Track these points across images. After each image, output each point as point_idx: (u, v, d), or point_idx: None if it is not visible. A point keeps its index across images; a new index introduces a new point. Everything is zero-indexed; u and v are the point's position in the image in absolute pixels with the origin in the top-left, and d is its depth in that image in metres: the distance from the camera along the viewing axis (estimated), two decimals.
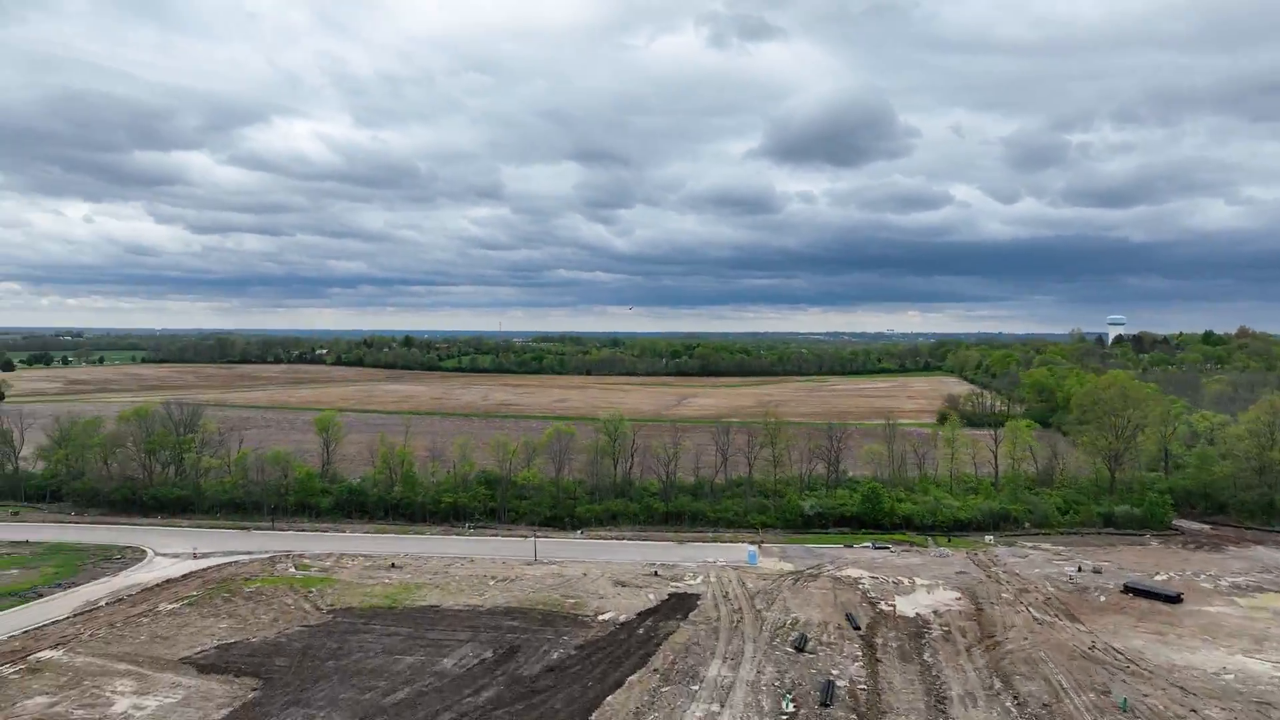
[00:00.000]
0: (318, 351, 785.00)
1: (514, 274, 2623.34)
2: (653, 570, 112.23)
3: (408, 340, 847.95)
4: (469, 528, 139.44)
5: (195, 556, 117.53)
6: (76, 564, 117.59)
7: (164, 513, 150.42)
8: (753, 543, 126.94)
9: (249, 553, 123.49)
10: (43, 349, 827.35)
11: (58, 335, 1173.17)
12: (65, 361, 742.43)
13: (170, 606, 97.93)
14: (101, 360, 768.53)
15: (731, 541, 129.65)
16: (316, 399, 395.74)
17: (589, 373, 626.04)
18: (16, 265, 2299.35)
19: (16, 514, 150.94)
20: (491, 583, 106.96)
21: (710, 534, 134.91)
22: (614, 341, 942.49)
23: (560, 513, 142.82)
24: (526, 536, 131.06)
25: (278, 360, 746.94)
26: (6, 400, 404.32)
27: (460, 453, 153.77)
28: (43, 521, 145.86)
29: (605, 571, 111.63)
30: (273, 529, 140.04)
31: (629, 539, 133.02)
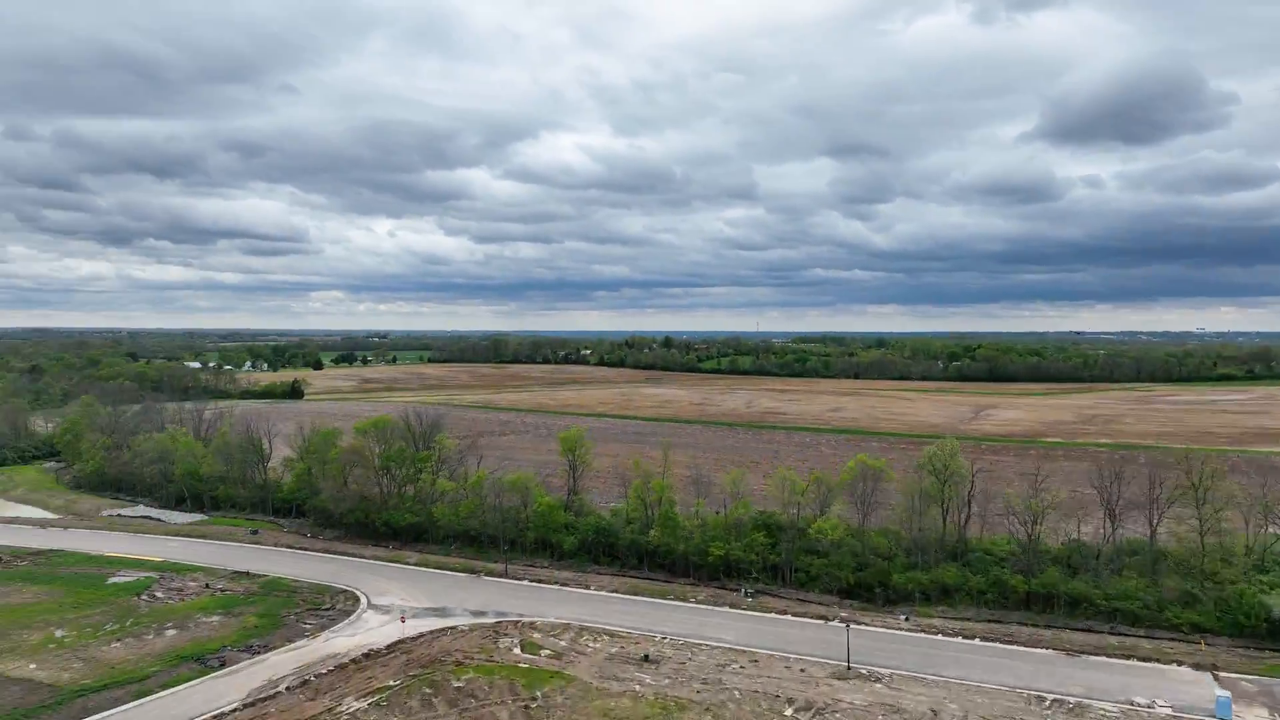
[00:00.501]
0: (582, 352, 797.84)
1: (769, 274, 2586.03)
2: (1046, 716, 70.52)
3: (667, 341, 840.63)
4: (746, 593, 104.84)
5: (403, 620, 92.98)
6: (281, 613, 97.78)
7: (397, 540, 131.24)
8: (1211, 669, 79.99)
9: (471, 613, 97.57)
10: (353, 349, 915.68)
11: (368, 337, 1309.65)
12: (364, 361, 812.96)
13: (357, 705, 72.23)
14: (394, 359, 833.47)
15: (1156, 662, 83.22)
16: (577, 401, 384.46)
17: (857, 376, 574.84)
18: (338, 276, 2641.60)
19: (255, 533, 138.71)
20: (789, 712, 71.07)
21: (1111, 639, 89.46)
22: (879, 342, 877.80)
23: (868, 579, 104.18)
24: (827, 619, 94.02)
25: (545, 360, 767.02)
26: (306, 398, 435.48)
27: (732, 487, 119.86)
28: (275, 545, 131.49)
29: (969, 708, 71.60)
30: (505, 574, 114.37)
31: (979, 634, 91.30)
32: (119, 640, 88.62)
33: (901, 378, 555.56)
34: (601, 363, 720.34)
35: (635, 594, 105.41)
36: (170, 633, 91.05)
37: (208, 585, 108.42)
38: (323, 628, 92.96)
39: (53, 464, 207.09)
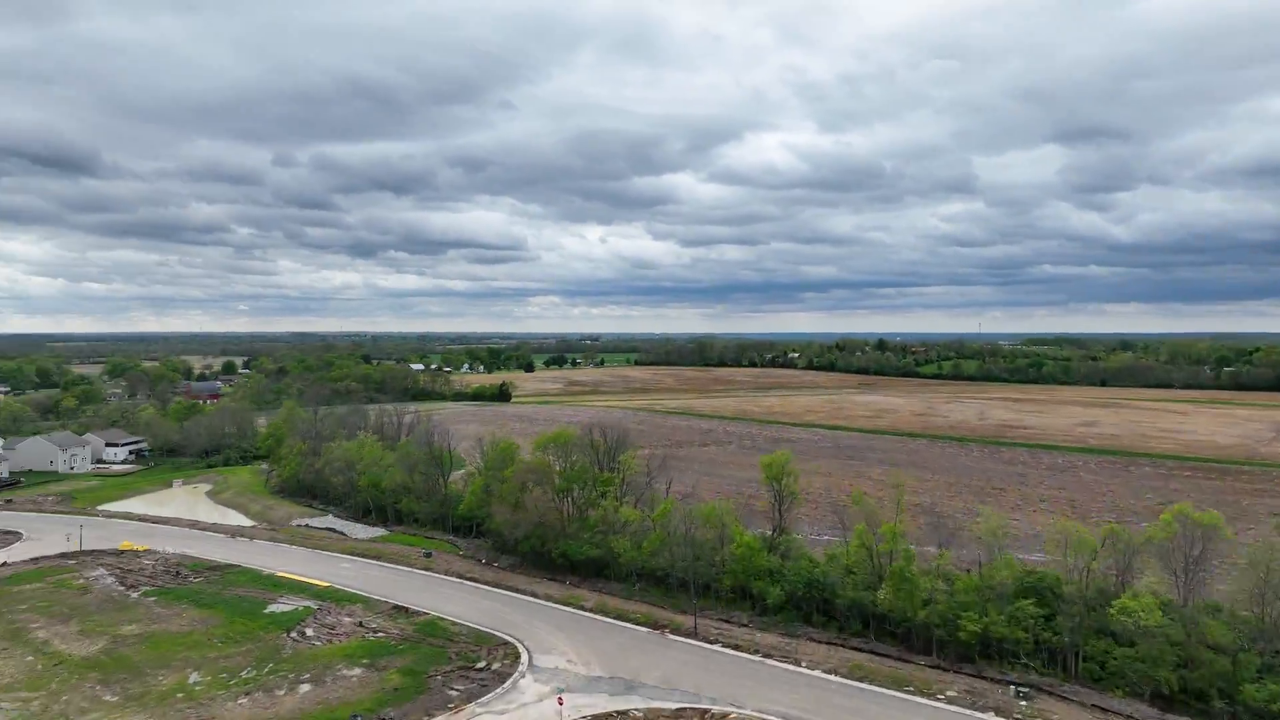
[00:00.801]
0: (789, 355, 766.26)
1: (991, 271, 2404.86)
2: None
3: (881, 344, 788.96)
4: (1017, 691, 77.36)
5: (560, 703, 74.28)
6: (429, 671, 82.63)
7: (574, 574, 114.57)
8: None
9: (647, 690, 77.46)
10: (565, 352, 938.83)
11: (581, 339, 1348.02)
12: (574, 363, 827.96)
13: None
14: (602, 362, 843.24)
15: None
16: (783, 408, 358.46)
17: (1103, 383, 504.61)
18: (554, 281, 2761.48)
19: (429, 555, 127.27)
20: None
21: None
22: (1123, 344, 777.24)
23: (1199, 683, 73.57)
24: None
25: (752, 363, 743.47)
26: (513, 400, 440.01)
27: (989, 535, 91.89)
28: (445, 573, 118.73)
29: None
30: (694, 632, 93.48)
31: None
32: (247, 694, 76.64)
33: (1160, 385, 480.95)
34: (810, 366, 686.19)
35: (861, 678, 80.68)
36: (304, 688, 78.10)
37: (361, 624, 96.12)
38: (470, 697, 76.34)
39: (266, 466, 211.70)
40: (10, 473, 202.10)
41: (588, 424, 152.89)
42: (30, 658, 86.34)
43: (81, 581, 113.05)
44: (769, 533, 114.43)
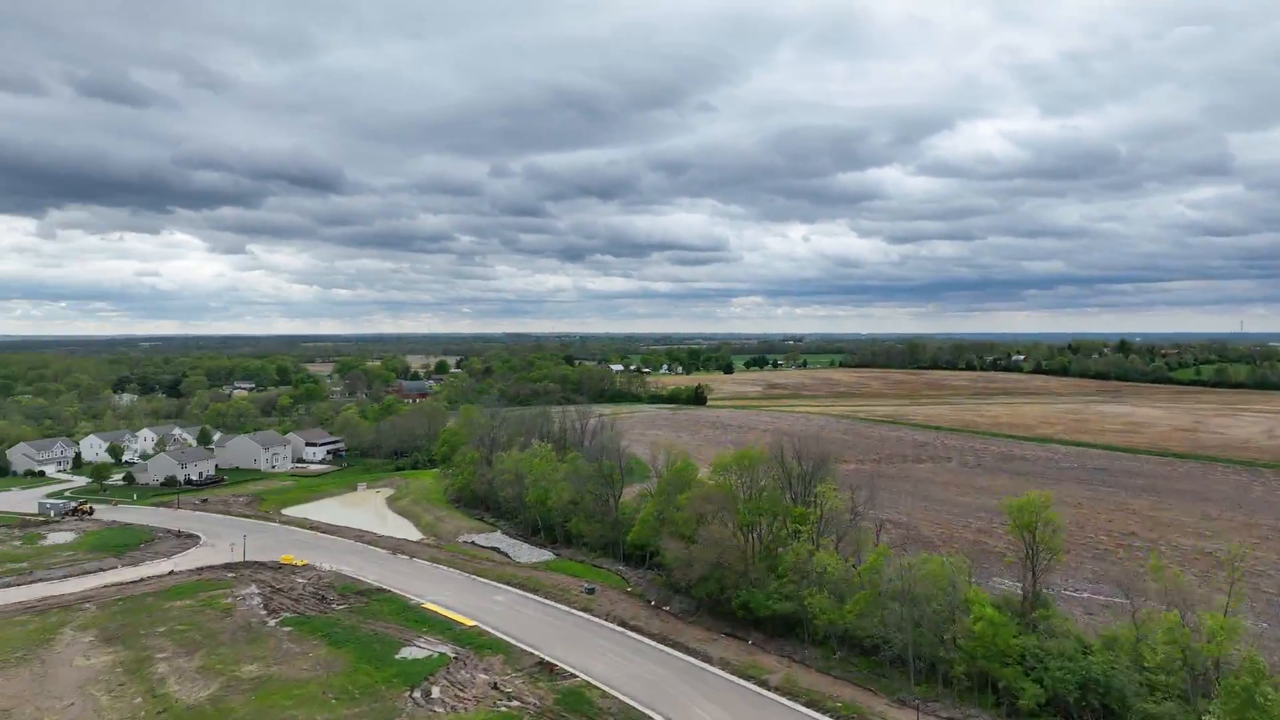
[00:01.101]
0: (1013, 357, 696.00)
1: (1252, 263, 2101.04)
2: None
3: (1123, 345, 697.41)
4: None
5: None
6: None
7: (758, 631, 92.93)
8: None
9: None
10: (767, 352, 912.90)
11: (783, 340, 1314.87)
12: (775, 365, 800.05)
13: None
14: (805, 364, 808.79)
15: None
16: (1010, 419, 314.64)
17: None
18: (757, 281, 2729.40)
19: (591, 592, 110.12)
20: None
21: None
22: None
23: None
24: None
25: (969, 367, 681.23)
26: (708, 404, 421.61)
27: None
28: (605, 617, 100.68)
29: None
30: None
31: None
32: None
33: None
34: (1038, 370, 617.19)
35: None
36: None
37: (496, 685, 79.74)
38: None
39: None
40: (217, 468, 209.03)
41: (782, 435, 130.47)
42: (139, 699, 77.06)
43: (228, 601, 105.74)
44: (1015, 591, 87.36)
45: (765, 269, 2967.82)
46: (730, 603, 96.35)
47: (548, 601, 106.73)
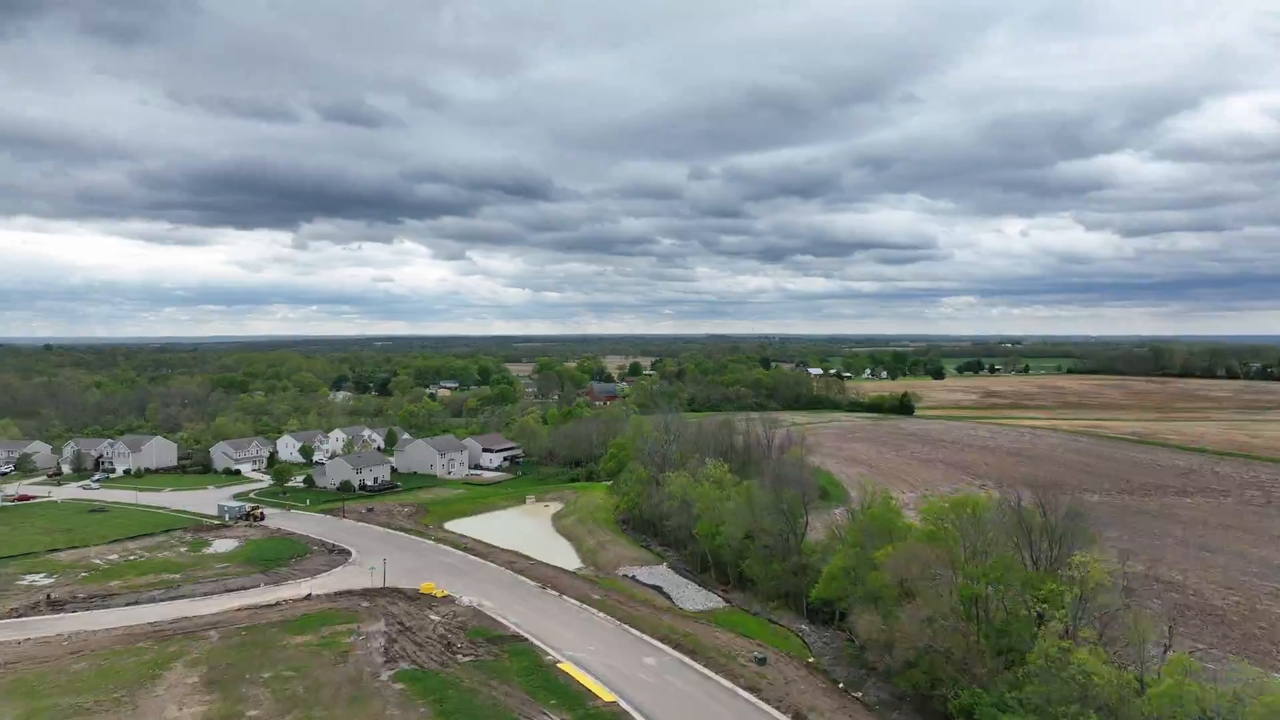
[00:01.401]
0: None
1: None
2: None
3: None
4: None
5: None
6: None
7: None
8: None
9: None
10: (981, 356, 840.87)
11: (1000, 342, 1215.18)
12: (992, 370, 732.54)
13: None
14: (1026, 369, 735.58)
15: None
16: None
17: None
18: (970, 280, 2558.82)
19: (763, 662, 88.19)
20: None
21: None
22: None
23: None
24: None
25: (1230, 375, 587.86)
26: (915, 413, 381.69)
27: None
28: (777, 703, 78.34)
29: None
30: None
31: None
32: None
33: None
34: None
35: None
36: None
37: None
38: None
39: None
40: (394, 472, 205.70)
41: (1007, 457, 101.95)
42: None
43: (350, 641, 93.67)
44: None
45: (977, 266, 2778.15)
46: (947, 703, 71.38)
47: (707, 671, 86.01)
